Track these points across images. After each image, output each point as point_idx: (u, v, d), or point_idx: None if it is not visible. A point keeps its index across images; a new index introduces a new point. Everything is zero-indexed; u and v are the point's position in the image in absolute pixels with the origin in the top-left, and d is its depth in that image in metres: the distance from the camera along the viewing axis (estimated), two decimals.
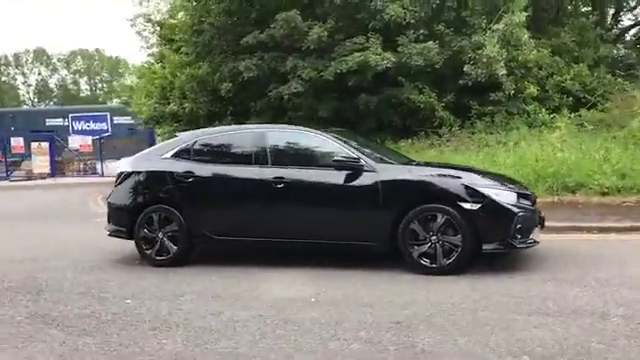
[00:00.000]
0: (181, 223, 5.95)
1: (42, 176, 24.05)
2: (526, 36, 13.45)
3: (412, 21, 13.16)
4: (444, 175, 5.50)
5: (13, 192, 18.71)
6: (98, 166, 24.72)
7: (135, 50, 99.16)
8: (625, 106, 12.30)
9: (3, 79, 66.27)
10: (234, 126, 7.93)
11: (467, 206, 5.16)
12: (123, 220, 6.27)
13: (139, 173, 6.33)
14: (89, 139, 26.10)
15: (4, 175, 24.27)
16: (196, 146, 6.27)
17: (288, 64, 13.74)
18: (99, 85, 69.73)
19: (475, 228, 5.14)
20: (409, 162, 6.26)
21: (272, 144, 5.95)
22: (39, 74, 67.88)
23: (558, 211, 7.72)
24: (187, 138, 6.48)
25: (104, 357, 3.59)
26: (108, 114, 32.36)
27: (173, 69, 17.72)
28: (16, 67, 67.19)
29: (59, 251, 7.06)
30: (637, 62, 15.52)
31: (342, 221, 5.52)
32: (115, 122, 31.26)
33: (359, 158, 5.53)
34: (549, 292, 4.53)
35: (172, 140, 6.81)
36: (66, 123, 31.86)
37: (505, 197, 5.29)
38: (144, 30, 21.52)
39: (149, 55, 22.53)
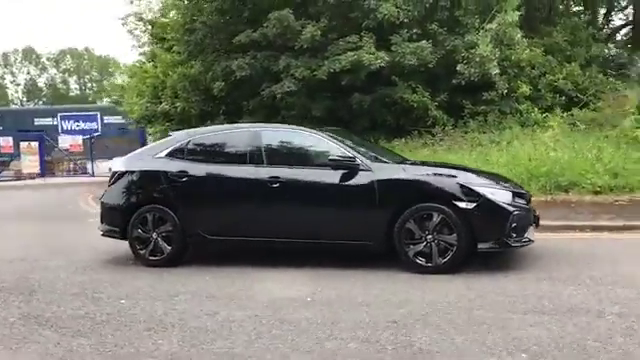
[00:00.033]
0: (175, 223, 5.91)
1: (31, 176, 23.87)
2: (519, 35, 13.50)
3: (405, 20, 13.14)
4: (439, 174, 5.51)
5: (2, 192, 18.53)
6: (88, 166, 24.56)
7: (126, 49, 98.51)
8: (617, 105, 12.38)
9: None
10: (229, 125, 7.89)
11: (462, 205, 5.17)
12: (116, 220, 6.22)
13: (133, 173, 6.28)
14: (79, 139, 25.91)
15: None
16: (190, 145, 6.23)
17: (281, 63, 13.69)
18: (89, 84, 69.20)
19: (470, 227, 5.15)
20: (404, 161, 6.26)
21: (267, 143, 5.92)
22: (28, 73, 67.31)
23: (551, 210, 7.75)
24: (181, 137, 6.43)
25: (99, 358, 3.56)
26: (98, 114, 32.14)
27: (165, 68, 17.61)
28: (5, 66, 66.57)
29: (51, 251, 6.99)
30: (628, 62, 15.61)
31: (338, 221, 5.51)
32: (105, 121, 31.04)
33: (355, 157, 5.53)
34: (544, 291, 4.54)
35: (166, 139, 6.77)
36: (55, 123, 31.62)
37: (500, 196, 5.30)
38: (135, 29, 21.38)
39: (140, 54, 22.42)
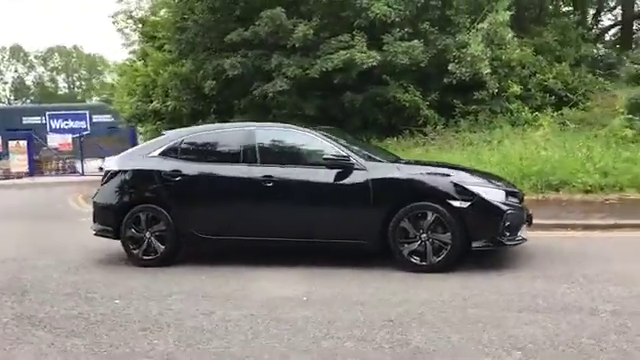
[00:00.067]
0: (169, 222, 5.89)
1: (19, 175, 23.69)
2: (510, 35, 13.58)
3: (397, 19, 13.18)
4: (433, 173, 5.53)
5: None
6: (78, 165, 24.39)
7: (115, 47, 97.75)
8: (606, 105, 12.50)
9: None
10: (222, 124, 7.86)
11: (456, 204, 5.19)
12: (109, 219, 6.17)
13: (125, 172, 6.23)
14: (69, 137, 25.73)
15: None
16: (184, 144, 6.20)
17: (273, 62, 13.66)
18: (77, 83, 68.62)
19: (464, 226, 5.17)
20: (398, 160, 6.27)
21: (261, 142, 5.90)
22: (16, 71, 66.62)
23: (543, 209, 7.80)
24: (174, 136, 6.40)
25: (95, 358, 3.54)
26: (87, 112, 31.89)
27: (156, 67, 17.50)
28: None
29: (42, 251, 6.93)
30: (617, 62, 15.76)
31: (332, 220, 5.51)
32: (94, 120, 30.81)
33: (349, 156, 5.53)
34: (538, 289, 4.57)
35: (159, 138, 6.72)
36: (44, 121, 31.34)
37: (494, 195, 5.33)
38: (125, 27, 21.26)
39: (130, 52, 22.28)
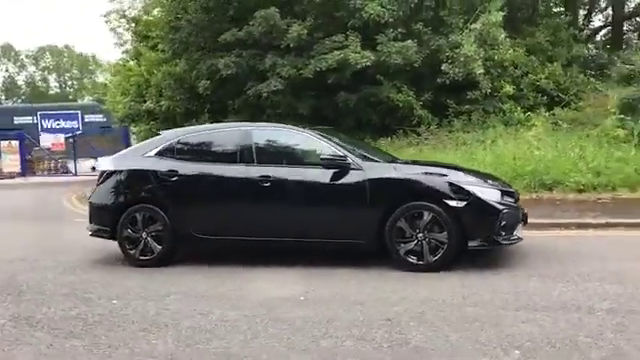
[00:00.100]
0: (165, 222, 5.88)
1: (11, 175, 23.51)
2: (502, 35, 13.65)
3: (391, 20, 13.21)
4: (430, 173, 5.56)
5: None
6: (70, 165, 24.26)
7: (107, 47, 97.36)
8: (598, 105, 12.59)
9: None
10: (219, 124, 7.88)
11: (453, 203, 5.22)
12: (105, 220, 6.16)
13: (121, 172, 6.22)
14: (61, 137, 25.58)
15: None
16: (180, 144, 6.20)
17: (267, 62, 13.66)
18: (69, 82, 68.20)
19: (461, 225, 5.20)
20: (394, 160, 6.30)
21: (258, 142, 5.91)
22: (6, 71, 66.11)
23: (537, 208, 7.84)
24: (170, 136, 6.39)
25: (95, 359, 3.53)
26: (79, 112, 31.74)
27: (149, 66, 17.45)
28: None
29: (37, 251, 6.89)
30: (608, 62, 15.88)
31: (329, 219, 5.53)
32: (86, 120, 30.68)
33: (346, 156, 5.55)
34: (535, 288, 4.61)
35: (155, 138, 6.71)
36: (35, 121, 31.15)
37: (490, 194, 5.37)
38: (118, 27, 21.13)
39: (123, 52, 22.15)
